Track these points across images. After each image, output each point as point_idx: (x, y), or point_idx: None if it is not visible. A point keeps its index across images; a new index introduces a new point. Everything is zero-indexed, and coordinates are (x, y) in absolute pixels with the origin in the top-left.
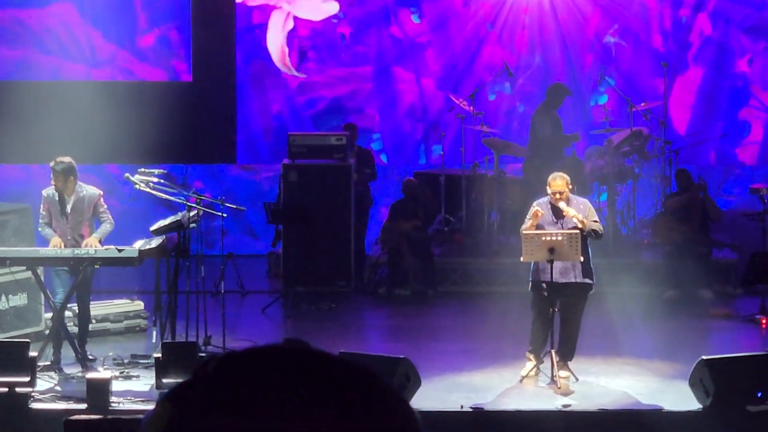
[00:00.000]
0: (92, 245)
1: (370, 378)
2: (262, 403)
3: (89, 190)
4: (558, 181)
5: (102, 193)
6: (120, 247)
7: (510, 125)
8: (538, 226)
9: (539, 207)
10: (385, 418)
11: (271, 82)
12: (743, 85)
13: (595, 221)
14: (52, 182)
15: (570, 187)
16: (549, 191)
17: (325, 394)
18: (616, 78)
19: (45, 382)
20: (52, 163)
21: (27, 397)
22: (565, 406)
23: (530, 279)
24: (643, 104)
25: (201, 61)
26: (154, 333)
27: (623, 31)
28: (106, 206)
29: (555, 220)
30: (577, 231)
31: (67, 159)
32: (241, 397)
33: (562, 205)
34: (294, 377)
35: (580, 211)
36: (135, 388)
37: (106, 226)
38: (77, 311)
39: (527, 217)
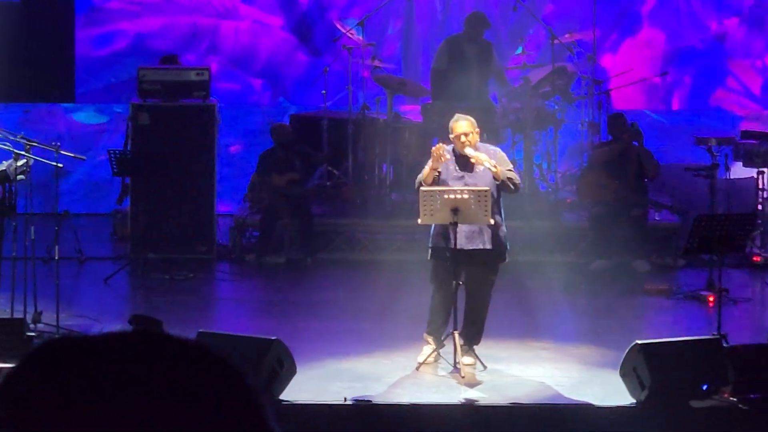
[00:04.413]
0: None
1: (226, 374)
2: (93, 404)
3: None
4: (461, 122)
5: None
6: None
7: (409, 59)
8: (440, 182)
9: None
10: (234, 424)
11: None
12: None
13: (510, 170)
14: None
15: (478, 131)
16: (452, 137)
17: (171, 394)
18: (537, 3)
19: None
20: None
21: None
22: (469, 399)
23: (429, 245)
24: (567, 35)
25: None
26: None
27: None
28: None
29: (460, 174)
30: (487, 188)
31: None
32: (71, 395)
33: (468, 150)
34: (136, 375)
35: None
36: None
37: None
38: None
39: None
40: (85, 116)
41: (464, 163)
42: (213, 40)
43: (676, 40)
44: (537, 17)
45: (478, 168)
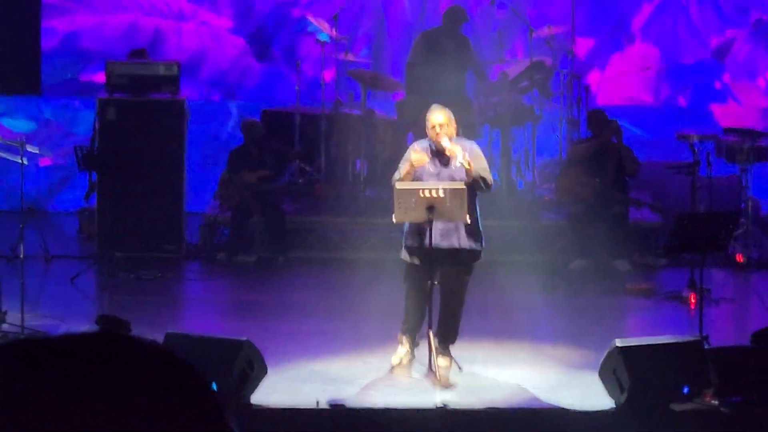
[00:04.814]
0: None
1: (187, 377)
2: (56, 404)
3: None
4: (437, 113)
5: None
6: None
7: (382, 54)
8: (415, 177)
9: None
10: (194, 427)
11: None
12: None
13: (484, 169)
14: None
15: (455, 125)
16: (428, 128)
17: (132, 396)
18: None
19: None
20: None
21: None
22: (445, 402)
23: (404, 243)
24: (546, 28)
25: None
26: None
27: None
28: None
29: (435, 170)
30: (463, 186)
31: None
32: (34, 396)
33: (444, 142)
34: (99, 376)
35: None
36: None
37: None
38: None
39: (402, 159)
40: (12, 123)
41: (439, 158)
42: (155, 41)
43: (672, 56)
44: (515, 11)
45: (454, 163)
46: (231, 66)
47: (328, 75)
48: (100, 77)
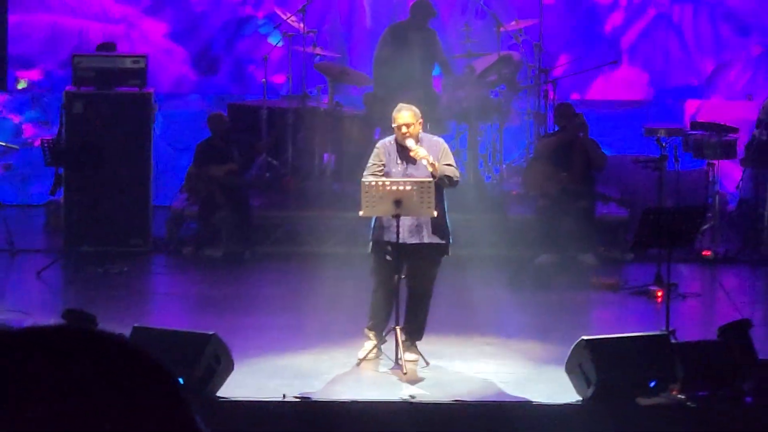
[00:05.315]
0: None
1: (152, 372)
2: (18, 399)
3: None
4: (404, 112)
5: None
6: None
7: (352, 47)
8: (384, 174)
9: (383, 148)
10: (159, 423)
11: None
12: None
13: (449, 165)
14: None
15: (421, 122)
16: (394, 126)
17: (96, 391)
18: None
19: None
20: None
21: None
22: (411, 396)
23: (371, 238)
24: (514, 23)
25: None
26: None
27: None
28: None
29: (403, 166)
30: (430, 179)
31: None
32: None
33: (409, 142)
34: (63, 372)
35: (433, 153)
36: None
37: None
38: None
39: (371, 157)
40: None
41: (407, 154)
42: (79, 45)
43: (662, 82)
44: (483, 5)
45: (420, 161)
46: (163, 72)
47: (281, 78)
48: (23, 76)
